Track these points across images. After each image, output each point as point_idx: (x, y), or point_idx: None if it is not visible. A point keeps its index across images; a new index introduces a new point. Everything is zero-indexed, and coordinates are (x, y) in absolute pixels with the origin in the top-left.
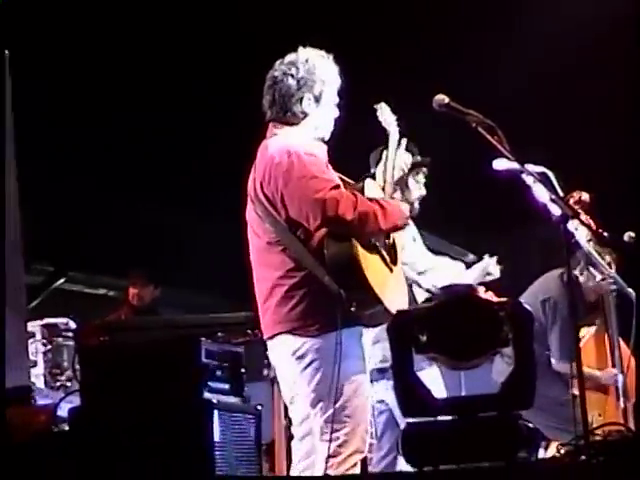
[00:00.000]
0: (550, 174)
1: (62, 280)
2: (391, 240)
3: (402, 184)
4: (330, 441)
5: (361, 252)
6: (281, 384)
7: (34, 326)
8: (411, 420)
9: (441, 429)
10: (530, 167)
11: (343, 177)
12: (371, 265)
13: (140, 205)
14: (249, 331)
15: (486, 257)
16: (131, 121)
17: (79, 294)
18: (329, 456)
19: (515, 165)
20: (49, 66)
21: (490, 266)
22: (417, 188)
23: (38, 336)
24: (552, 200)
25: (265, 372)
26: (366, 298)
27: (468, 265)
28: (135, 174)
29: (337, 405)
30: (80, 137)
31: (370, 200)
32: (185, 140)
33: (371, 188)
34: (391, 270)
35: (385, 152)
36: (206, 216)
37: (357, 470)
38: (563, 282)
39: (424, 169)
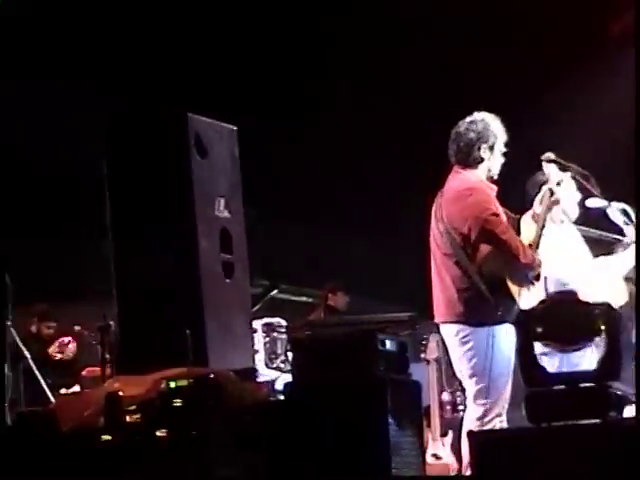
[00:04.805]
0: (628, 208)
1: (275, 291)
2: None
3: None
4: (480, 405)
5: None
6: (452, 357)
7: (257, 324)
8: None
9: (554, 395)
10: (614, 203)
11: (507, 211)
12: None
13: (328, 236)
14: (411, 327)
15: None
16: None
17: (288, 301)
18: (479, 417)
19: (604, 203)
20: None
21: None
22: None
23: (259, 331)
24: (626, 224)
25: (422, 356)
26: (509, 305)
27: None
28: (321, 211)
29: (488, 380)
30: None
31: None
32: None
33: (526, 221)
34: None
35: (541, 192)
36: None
37: (497, 427)
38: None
39: None
